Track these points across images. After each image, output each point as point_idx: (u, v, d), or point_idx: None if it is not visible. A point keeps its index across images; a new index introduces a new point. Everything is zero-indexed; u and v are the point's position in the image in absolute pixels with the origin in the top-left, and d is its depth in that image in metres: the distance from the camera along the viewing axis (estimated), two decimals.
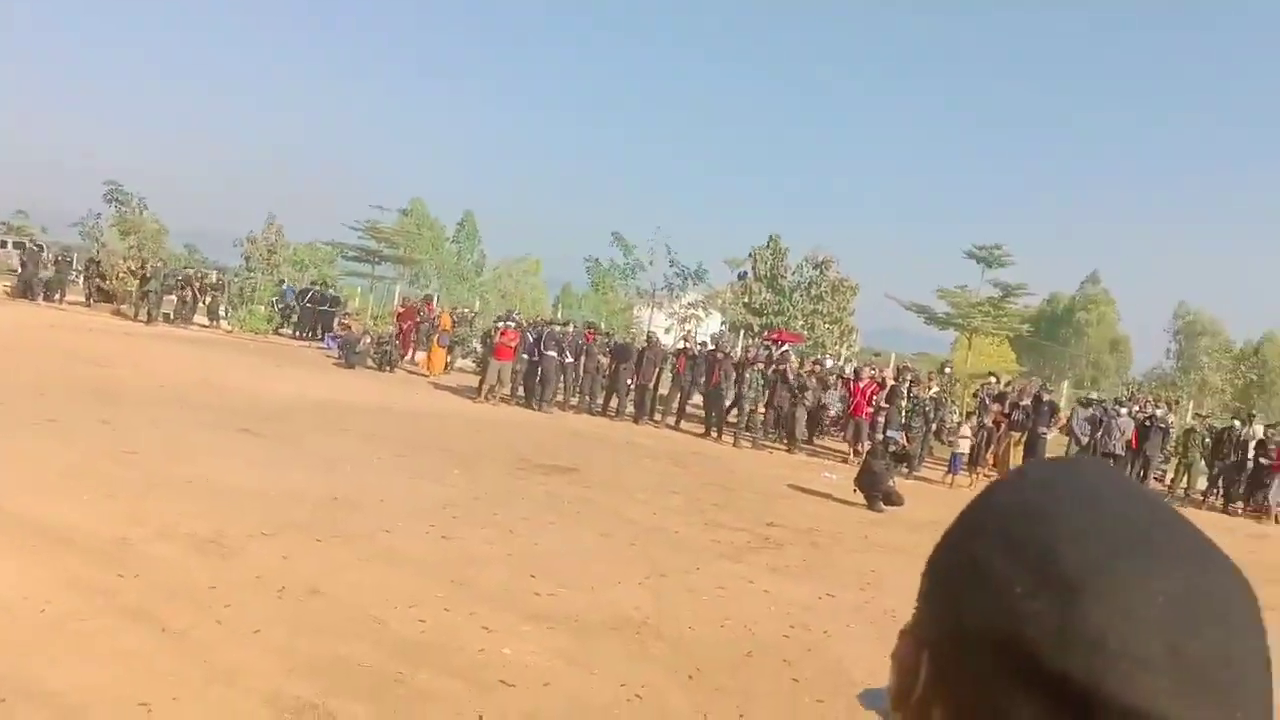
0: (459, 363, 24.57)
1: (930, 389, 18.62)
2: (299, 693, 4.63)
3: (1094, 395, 21.51)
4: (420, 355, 23.88)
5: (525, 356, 18.86)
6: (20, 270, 27.26)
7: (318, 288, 29.64)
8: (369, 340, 22.53)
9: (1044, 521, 0.59)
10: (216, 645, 5.06)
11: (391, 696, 4.71)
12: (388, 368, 21.92)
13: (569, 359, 19.17)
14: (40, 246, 29.39)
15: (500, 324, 19.53)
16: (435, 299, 29.64)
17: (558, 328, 19.98)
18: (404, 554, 7.14)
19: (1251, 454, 17.29)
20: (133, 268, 27.37)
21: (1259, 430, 17.88)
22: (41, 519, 6.70)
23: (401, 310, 26.35)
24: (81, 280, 29.06)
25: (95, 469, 8.45)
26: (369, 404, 15.73)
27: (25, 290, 26.40)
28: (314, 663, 4.98)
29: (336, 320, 27.25)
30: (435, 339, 22.85)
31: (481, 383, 18.94)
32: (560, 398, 19.41)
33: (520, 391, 19.19)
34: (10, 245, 29.24)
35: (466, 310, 29.78)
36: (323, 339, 26.42)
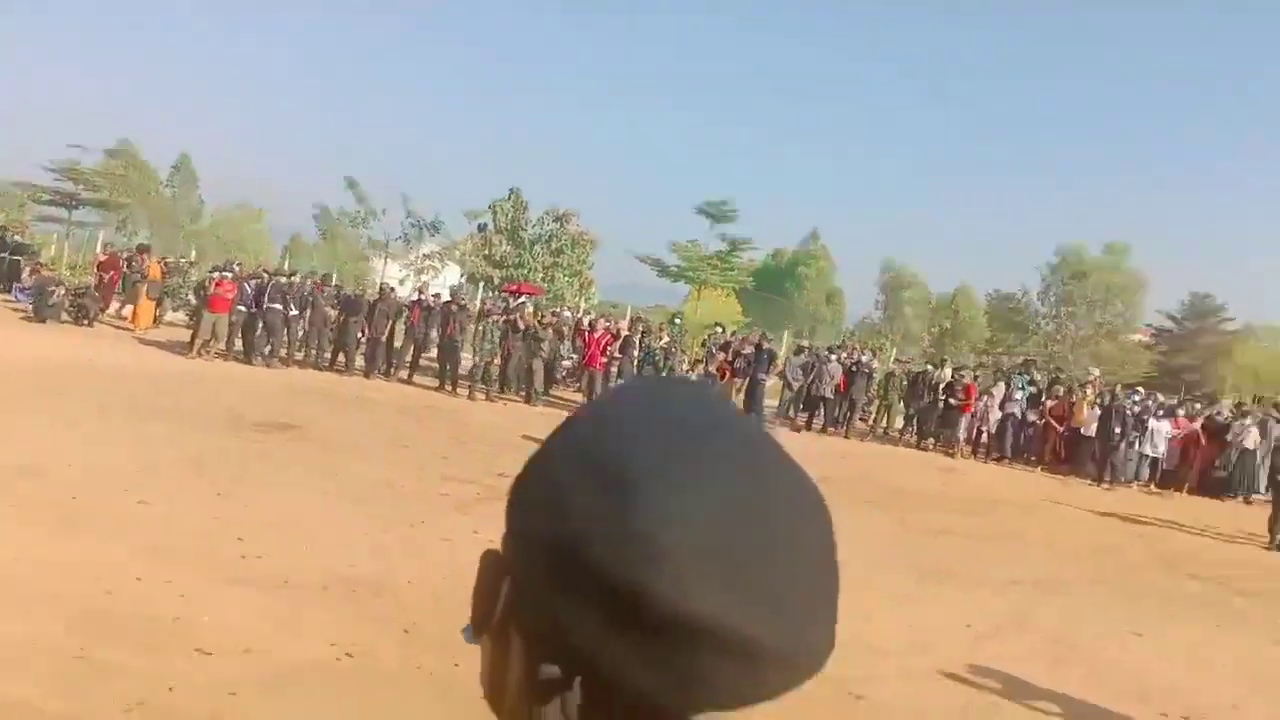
0: (169, 316, 22.75)
1: (661, 339, 19.29)
2: None
3: (806, 344, 23.07)
4: (127, 309, 21.87)
5: (244, 309, 17.73)
6: None
7: (3, 234, 26.42)
8: (63, 291, 20.37)
9: (608, 429, 0.59)
10: None
11: (68, 674, 4.33)
12: (86, 321, 19.93)
13: (294, 311, 18.23)
14: None
15: (215, 274, 18.24)
16: (149, 248, 27.14)
17: (282, 279, 18.93)
18: (92, 522, 6.56)
19: (942, 395, 19.22)
20: None
21: (948, 374, 19.90)
22: None
23: (103, 259, 23.96)
24: None
25: None
26: (63, 361, 14.25)
27: None
28: None
29: (26, 269, 24.44)
30: (144, 290, 20.97)
31: (194, 337, 17.64)
32: (284, 352, 18.45)
33: (238, 346, 18.05)
34: None
35: (182, 260, 27.56)
36: (10, 290, 23.63)
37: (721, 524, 0.54)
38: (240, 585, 5.71)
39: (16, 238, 26.83)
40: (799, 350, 20.82)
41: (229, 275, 18.04)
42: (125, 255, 23.62)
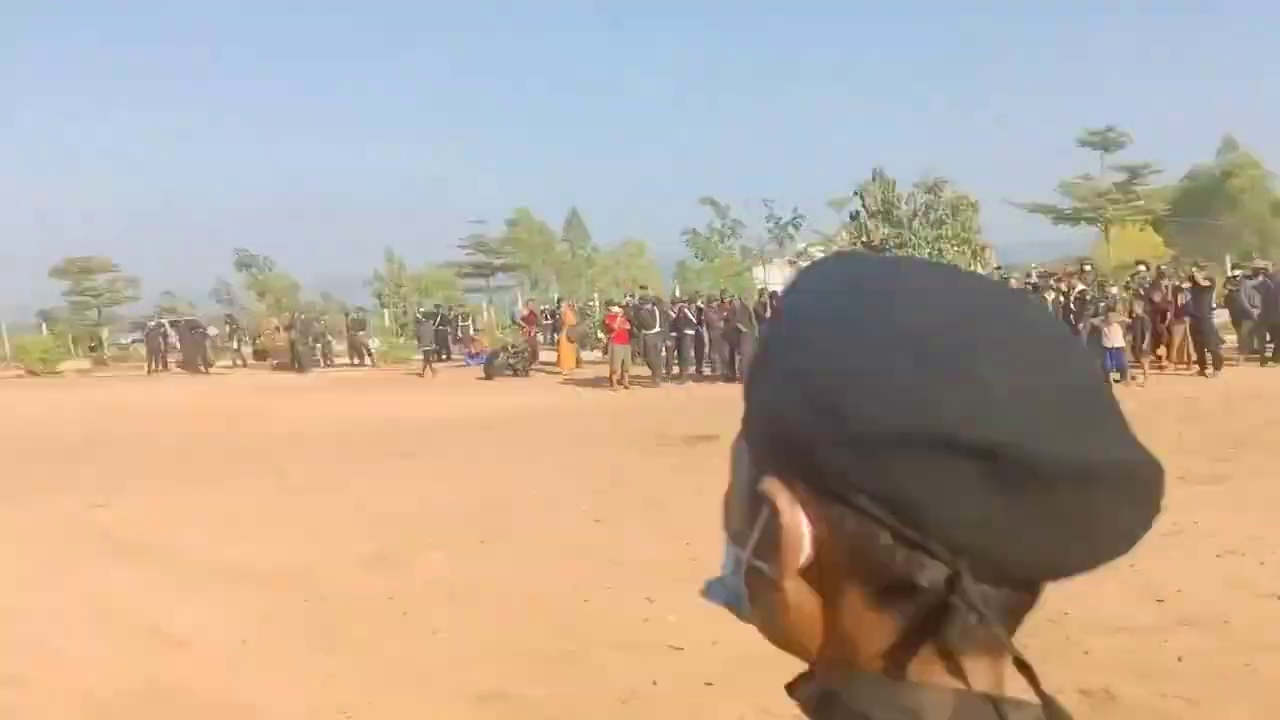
0: (586, 355, 24.84)
1: (1074, 287, 17.78)
2: (482, 683, 4.81)
3: (1261, 263, 19.75)
4: (550, 354, 24.28)
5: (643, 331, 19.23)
6: (179, 345, 28.71)
7: (440, 308, 29.93)
8: (507, 351, 23.06)
9: (893, 308, 0.55)
10: (401, 649, 5.32)
11: (566, 674, 4.84)
12: (523, 373, 22.40)
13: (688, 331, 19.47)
14: (197, 323, 30.46)
15: (608, 309, 20.08)
16: (562, 300, 29.96)
17: (648, 305, 20.17)
18: (561, 542, 7.32)
19: None
20: (279, 325, 28.67)
21: None
22: (231, 562, 7.19)
23: (525, 314, 26.83)
24: (234, 343, 30.42)
25: (271, 511, 9.01)
26: (507, 410, 16.14)
27: (189, 363, 27.96)
28: (491, 654, 5.16)
29: (457, 334, 28.15)
30: (564, 334, 23.24)
31: (611, 372, 19.18)
32: (692, 369, 19.64)
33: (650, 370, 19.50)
34: (168, 324, 30.67)
35: (589, 303, 30.07)
36: (447, 357, 26.85)
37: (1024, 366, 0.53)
38: (693, 585, 6.04)
39: (446, 308, 30.51)
40: (1253, 272, 17.96)
41: (617, 308, 19.78)
42: (544, 309, 26.21)
